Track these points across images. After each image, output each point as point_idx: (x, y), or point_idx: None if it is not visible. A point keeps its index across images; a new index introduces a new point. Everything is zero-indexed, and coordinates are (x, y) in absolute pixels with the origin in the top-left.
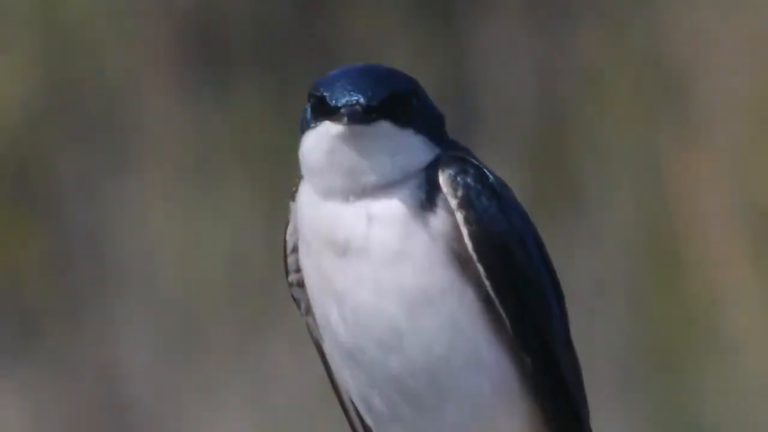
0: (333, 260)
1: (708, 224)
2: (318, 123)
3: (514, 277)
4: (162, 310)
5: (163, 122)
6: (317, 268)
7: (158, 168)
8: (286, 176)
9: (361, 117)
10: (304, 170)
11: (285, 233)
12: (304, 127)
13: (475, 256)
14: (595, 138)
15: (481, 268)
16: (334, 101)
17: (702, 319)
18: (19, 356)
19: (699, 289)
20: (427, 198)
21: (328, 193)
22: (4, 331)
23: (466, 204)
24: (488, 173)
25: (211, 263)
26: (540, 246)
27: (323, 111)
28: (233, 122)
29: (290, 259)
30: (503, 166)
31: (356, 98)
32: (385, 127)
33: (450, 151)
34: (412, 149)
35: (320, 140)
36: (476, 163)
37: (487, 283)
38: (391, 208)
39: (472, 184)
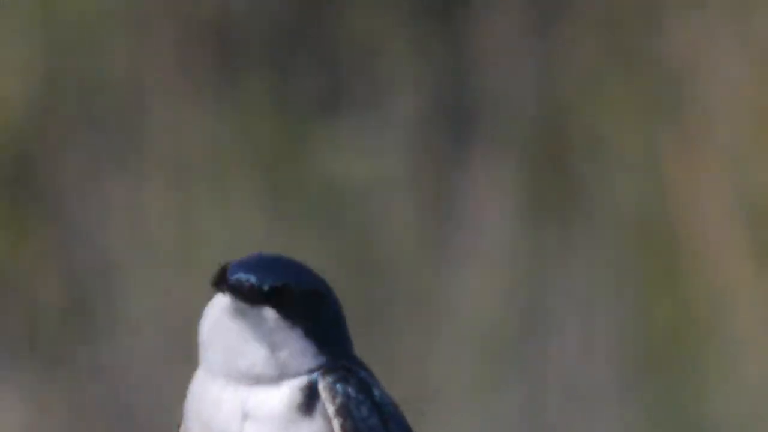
0: None
1: (708, 224)
2: (215, 294)
3: None
4: (163, 308)
5: (165, 121)
6: None
7: (160, 167)
8: (288, 176)
9: (245, 295)
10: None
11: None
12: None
13: None
14: (594, 138)
15: None
16: (229, 274)
17: (702, 318)
18: (20, 356)
19: (699, 289)
20: (308, 403)
21: (211, 371)
22: (4, 330)
23: (343, 412)
24: (372, 386)
25: (212, 262)
26: None
27: (220, 283)
28: (235, 121)
29: None
30: (502, 165)
31: (248, 277)
32: (269, 315)
33: (341, 360)
34: (295, 350)
35: (210, 311)
36: (363, 375)
37: None
38: (268, 408)
39: (353, 393)
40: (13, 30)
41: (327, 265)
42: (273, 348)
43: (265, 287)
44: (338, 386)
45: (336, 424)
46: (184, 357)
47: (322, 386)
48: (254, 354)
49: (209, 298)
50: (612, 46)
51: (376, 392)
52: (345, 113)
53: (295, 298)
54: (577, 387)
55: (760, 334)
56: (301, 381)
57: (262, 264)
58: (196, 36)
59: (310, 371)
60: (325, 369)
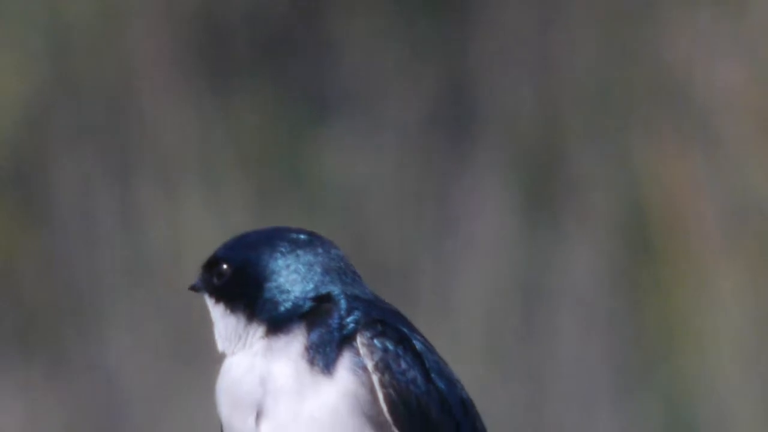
0: (242, 422)
1: (707, 224)
2: None
3: None
4: (161, 309)
5: (163, 123)
6: None
7: (158, 169)
8: (286, 176)
9: (191, 287)
10: None
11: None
12: None
13: (390, 419)
14: (593, 138)
15: None
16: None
17: (697, 317)
18: (19, 356)
19: (695, 288)
20: (331, 360)
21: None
22: (3, 331)
23: (382, 367)
24: (412, 338)
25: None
26: (469, 411)
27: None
28: (233, 123)
29: None
30: (500, 166)
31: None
32: (206, 296)
33: (363, 311)
34: (218, 320)
35: None
36: (398, 327)
37: None
38: (277, 373)
39: (391, 347)
40: (16, 31)
41: None
42: (216, 325)
43: (199, 274)
44: (376, 341)
45: (375, 379)
46: (183, 356)
47: (360, 342)
48: (216, 334)
49: (199, 296)
50: (611, 46)
51: (417, 343)
52: (341, 114)
53: (214, 274)
54: (574, 386)
55: (751, 334)
56: (296, 346)
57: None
58: (195, 39)
59: (306, 327)
60: (362, 324)
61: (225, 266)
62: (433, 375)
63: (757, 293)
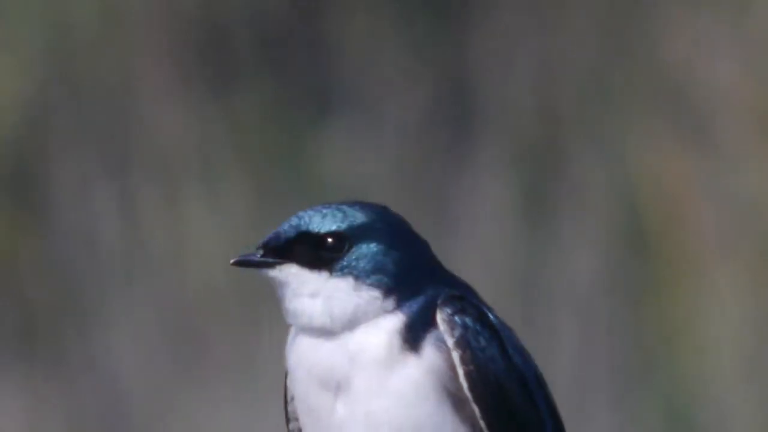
0: (321, 396)
1: (706, 224)
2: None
3: (513, 418)
4: (161, 309)
5: (163, 123)
6: (308, 407)
7: (158, 169)
8: (286, 176)
9: (256, 262)
10: None
11: (285, 381)
12: None
13: (470, 396)
14: (593, 138)
15: (476, 409)
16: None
17: (697, 317)
18: (19, 356)
19: (695, 288)
20: (419, 336)
21: (300, 330)
22: (4, 331)
23: (463, 344)
24: (488, 313)
25: (210, 263)
26: (542, 385)
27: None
28: (233, 123)
29: (290, 407)
30: (502, 165)
31: (263, 241)
32: (291, 270)
33: (446, 288)
34: (332, 292)
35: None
36: (476, 302)
37: (482, 423)
38: (370, 348)
39: (471, 324)
40: (15, 31)
41: None
42: (313, 298)
43: (273, 244)
44: (456, 318)
45: (455, 355)
46: (183, 356)
47: (440, 318)
48: (304, 309)
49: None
50: (611, 46)
51: (492, 318)
52: (341, 114)
53: (315, 243)
54: (574, 386)
55: (751, 334)
56: (400, 316)
57: (287, 222)
58: (195, 38)
59: (402, 305)
60: (441, 301)
61: (340, 242)
62: (510, 351)
63: (757, 293)
